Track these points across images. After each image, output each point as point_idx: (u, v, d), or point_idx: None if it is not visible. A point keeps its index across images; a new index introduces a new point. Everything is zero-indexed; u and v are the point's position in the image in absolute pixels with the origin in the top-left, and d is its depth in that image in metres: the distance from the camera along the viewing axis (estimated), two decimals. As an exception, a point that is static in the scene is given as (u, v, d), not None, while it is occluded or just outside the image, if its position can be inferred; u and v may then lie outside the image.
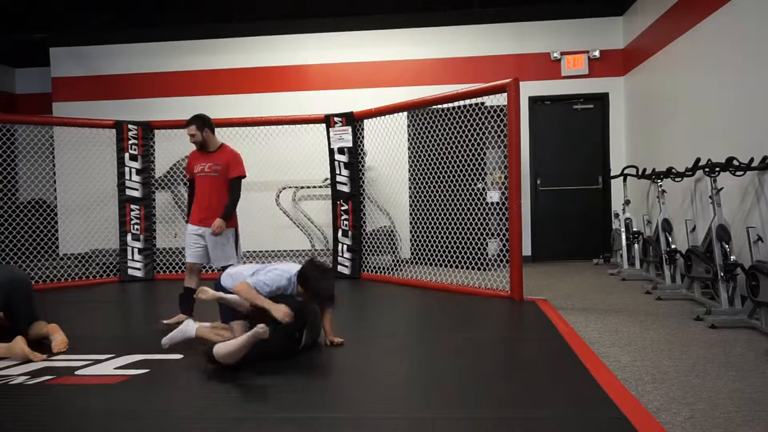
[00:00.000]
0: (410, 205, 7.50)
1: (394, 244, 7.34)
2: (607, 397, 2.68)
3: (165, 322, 4.47)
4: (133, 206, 7.14)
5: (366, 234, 7.00)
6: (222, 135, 7.68)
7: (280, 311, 3.37)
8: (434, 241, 6.93)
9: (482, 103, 6.12)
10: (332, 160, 6.95)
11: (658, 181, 5.92)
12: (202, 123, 4.60)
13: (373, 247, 6.95)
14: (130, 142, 7.15)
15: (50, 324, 3.97)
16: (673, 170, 5.59)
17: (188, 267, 4.64)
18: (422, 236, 7.19)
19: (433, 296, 5.66)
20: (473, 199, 6.84)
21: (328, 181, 7.17)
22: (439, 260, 6.79)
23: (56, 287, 6.73)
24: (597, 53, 7.78)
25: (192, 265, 4.62)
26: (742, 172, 4.38)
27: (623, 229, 6.69)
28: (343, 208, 6.90)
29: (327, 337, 3.83)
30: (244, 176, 4.63)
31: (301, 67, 8.23)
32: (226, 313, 3.78)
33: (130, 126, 7.17)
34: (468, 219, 6.50)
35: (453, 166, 6.87)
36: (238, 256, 4.64)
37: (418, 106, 6.50)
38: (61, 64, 8.57)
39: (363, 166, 6.98)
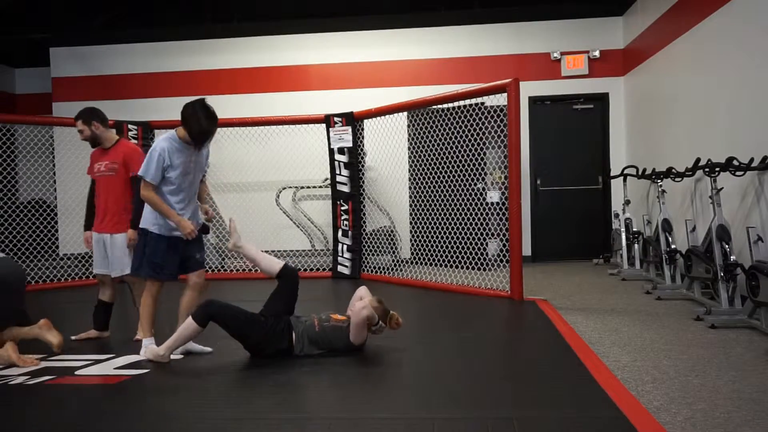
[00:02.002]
0: (410, 205, 7.50)
1: (394, 244, 7.33)
2: (607, 397, 2.68)
3: (74, 338, 4.11)
4: (132, 206, 7.11)
5: (366, 234, 7.00)
6: (222, 135, 7.70)
7: (187, 228, 3.52)
8: (434, 241, 6.92)
9: (482, 103, 6.12)
10: (332, 160, 6.95)
11: (658, 181, 5.91)
12: (89, 115, 4.06)
13: (373, 247, 6.95)
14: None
15: (41, 320, 3.74)
16: (673, 170, 5.59)
17: (98, 279, 4.24)
18: (422, 236, 7.18)
19: (433, 296, 5.66)
20: (473, 199, 6.84)
21: (328, 181, 7.17)
22: (439, 260, 6.79)
23: (56, 287, 6.73)
24: (597, 53, 7.78)
25: (102, 277, 4.19)
26: (742, 172, 4.38)
27: (623, 229, 6.69)
28: (343, 208, 6.90)
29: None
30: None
31: (301, 67, 8.23)
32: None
33: (130, 126, 7.16)
34: (468, 219, 6.50)
35: (453, 166, 6.86)
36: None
37: (418, 106, 6.50)
38: (61, 64, 8.57)
39: (363, 166, 6.98)
